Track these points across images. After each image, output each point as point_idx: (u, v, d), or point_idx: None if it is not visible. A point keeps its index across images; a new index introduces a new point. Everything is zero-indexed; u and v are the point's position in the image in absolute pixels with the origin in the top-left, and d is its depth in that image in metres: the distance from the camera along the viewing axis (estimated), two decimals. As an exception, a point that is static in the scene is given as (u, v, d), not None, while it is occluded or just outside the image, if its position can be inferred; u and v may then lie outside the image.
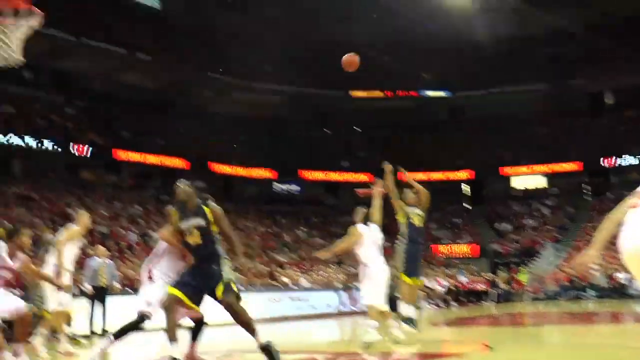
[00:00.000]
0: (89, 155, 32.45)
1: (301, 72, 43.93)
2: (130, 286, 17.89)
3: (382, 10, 41.14)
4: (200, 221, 6.57)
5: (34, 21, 4.32)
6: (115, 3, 39.78)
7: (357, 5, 41.33)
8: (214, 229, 6.62)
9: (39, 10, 4.39)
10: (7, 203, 25.32)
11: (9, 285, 7.39)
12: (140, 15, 40.78)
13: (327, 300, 24.76)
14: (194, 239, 6.57)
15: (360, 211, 9.92)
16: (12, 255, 7.72)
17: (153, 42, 39.52)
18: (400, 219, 10.17)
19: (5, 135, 29.15)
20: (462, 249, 39.12)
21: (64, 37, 33.19)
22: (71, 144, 31.75)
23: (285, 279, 26.07)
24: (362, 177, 41.23)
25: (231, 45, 41.46)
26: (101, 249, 15.75)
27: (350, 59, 8.91)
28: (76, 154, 31.96)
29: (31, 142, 30.09)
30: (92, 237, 22.27)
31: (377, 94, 46.40)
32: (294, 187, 43.09)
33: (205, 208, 6.63)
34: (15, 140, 29.37)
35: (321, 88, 44.54)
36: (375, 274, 9.61)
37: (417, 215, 10.20)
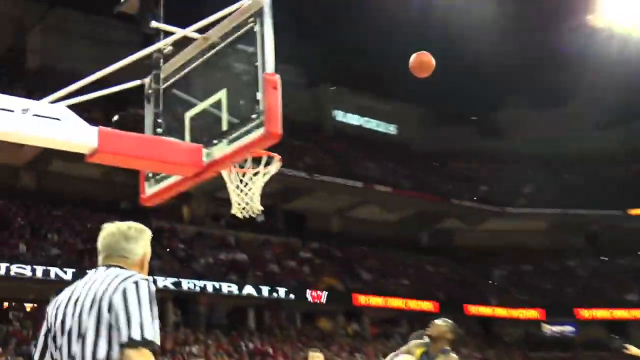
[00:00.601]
0: (325, 302, 33.70)
1: (565, 191, 43.18)
2: None
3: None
4: None
5: (273, 168, 4.93)
6: (347, 134, 42.36)
7: (617, 109, 40.47)
8: None
9: (277, 156, 5.00)
10: (241, 358, 26.93)
11: None
12: (375, 144, 42.93)
13: None
14: None
15: None
16: None
17: (391, 172, 41.17)
18: None
19: (239, 285, 31.32)
20: None
21: (296, 175, 35.51)
22: (307, 290, 33.28)
23: None
24: (657, 312, 38.79)
25: (482, 169, 42.04)
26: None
27: (422, 59, 6.58)
28: (312, 300, 33.35)
29: (265, 291, 32.02)
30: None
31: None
32: (568, 328, 41.34)
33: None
34: (248, 290, 31.45)
35: (591, 208, 43.17)
36: None
37: None
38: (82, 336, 3.43)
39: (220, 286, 30.74)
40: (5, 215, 28.70)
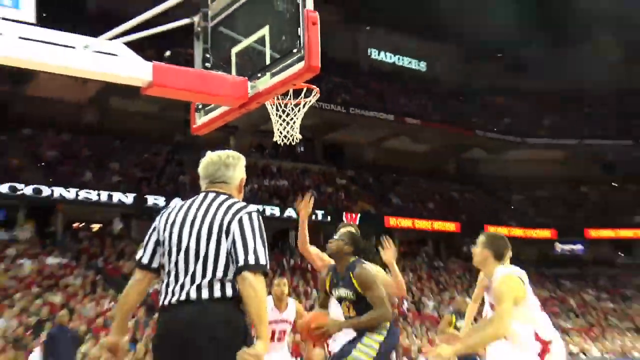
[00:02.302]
0: (359, 223, 33.51)
1: (581, 122, 42.67)
2: (407, 355, 18.25)
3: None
4: (347, 293, 5.82)
5: (312, 99, 4.90)
6: (381, 71, 42.05)
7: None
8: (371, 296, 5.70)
9: (316, 88, 4.94)
10: (282, 273, 27.30)
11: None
12: (407, 81, 42.62)
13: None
14: (344, 310, 5.88)
15: None
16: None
17: (421, 106, 40.87)
18: None
19: (281, 209, 31.55)
20: None
21: (334, 110, 35.57)
22: (343, 214, 33.39)
23: (573, 348, 24.94)
24: (661, 232, 38.54)
25: (503, 103, 41.55)
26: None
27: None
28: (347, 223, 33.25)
29: (305, 214, 31.97)
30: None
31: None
32: (578, 247, 41.17)
33: (352, 277, 5.77)
34: (290, 212, 31.63)
35: (605, 138, 42.51)
36: None
37: None
38: (201, 257, 3.60)
39: (264, 209, 30.95)
40: (72, 148, 29.10)
